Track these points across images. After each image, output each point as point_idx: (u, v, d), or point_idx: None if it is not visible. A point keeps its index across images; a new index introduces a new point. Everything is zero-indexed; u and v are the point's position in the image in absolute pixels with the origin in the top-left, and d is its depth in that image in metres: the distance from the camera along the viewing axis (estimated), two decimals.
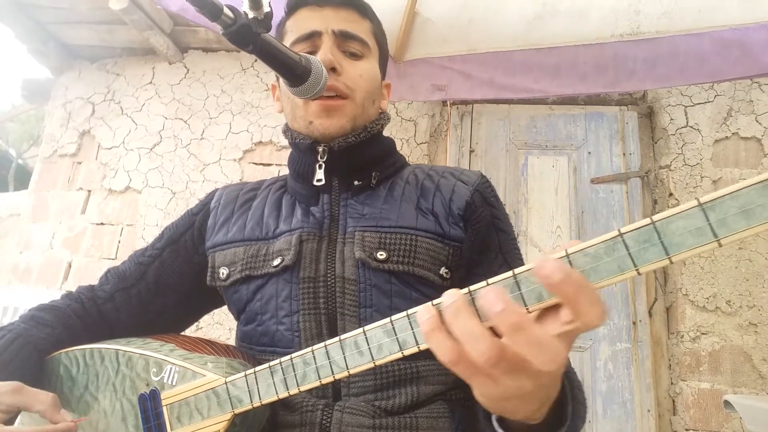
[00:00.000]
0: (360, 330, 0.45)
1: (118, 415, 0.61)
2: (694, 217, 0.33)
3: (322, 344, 0.47)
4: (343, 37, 0.74)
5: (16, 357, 0.63)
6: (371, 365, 0.44)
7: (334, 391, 0.64)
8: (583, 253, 0.36)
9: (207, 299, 0.81)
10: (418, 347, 0.42)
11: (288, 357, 0.49)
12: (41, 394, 0.56)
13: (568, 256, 0.36)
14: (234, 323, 0.83)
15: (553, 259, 0.35)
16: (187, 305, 0.82)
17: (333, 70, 0.71)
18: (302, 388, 0.49)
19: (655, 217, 0.34)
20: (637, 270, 0.35)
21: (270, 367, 0.51)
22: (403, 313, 0.43)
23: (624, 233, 0.35)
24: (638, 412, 2.13)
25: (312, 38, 0.74)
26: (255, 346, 0.69)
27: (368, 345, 0.44)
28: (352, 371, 0.45)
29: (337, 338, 0.46)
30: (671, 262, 0.34)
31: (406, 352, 0.43)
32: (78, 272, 2.66)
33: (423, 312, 0.39)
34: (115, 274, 0.81)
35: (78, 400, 0.64)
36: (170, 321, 0.81)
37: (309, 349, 0.48)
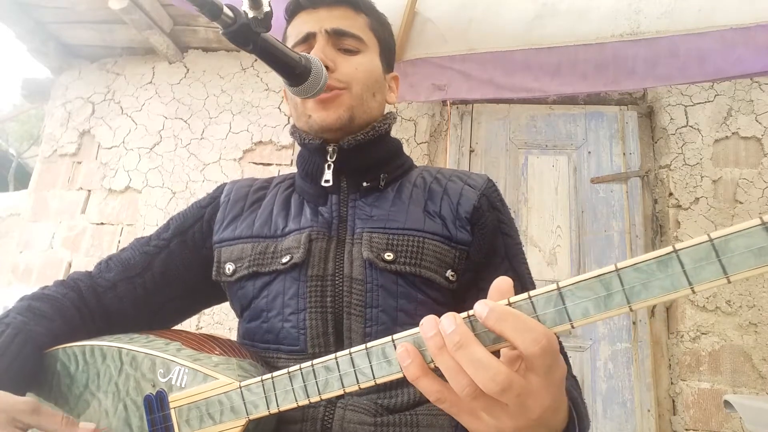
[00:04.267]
0: (388, 338, 0.43)
1: (121, 415, 0.59)
2: (756, 236, 0.32)
3: (346, 351, 0.45)
4: (336, 35, 0.75)
5: (19, 356, 0.61)
6: (399, 375, 0.42)
7: None
8: (634, 268, 0.36)
9: (211, 293, 0.81)
10: None
11: (309, 363, 0.48)
12: (57, 415, 0.54)
13: (618, 270, 0.36)
14: (234, 323, 0.82)
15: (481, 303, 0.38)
16: (191, 298, 0.81)
17: (326, 68, 0.72)
18: (324, 396, 0.47)
19: (713, 235, 0.33)
20: (692, 288, 0.34)
21: (289, 372, 0.49)
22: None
23: (679, 250, 0.34)
24: (638, 412, 2.13)
25: (308, 40, 0.76)
26: (258, 343, 0.69)
27: None
28: (378, 381, 0.44)
29: (362, 346, 0.44)
30: (729, 282, 0.33)
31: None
32: None
33: (404, 355, 0.41)
34: (118, 262, 0.78)
35: (77, 398, 0.62)
36: (173, 313, 0.81)
37: (332, 356, 0.46)
